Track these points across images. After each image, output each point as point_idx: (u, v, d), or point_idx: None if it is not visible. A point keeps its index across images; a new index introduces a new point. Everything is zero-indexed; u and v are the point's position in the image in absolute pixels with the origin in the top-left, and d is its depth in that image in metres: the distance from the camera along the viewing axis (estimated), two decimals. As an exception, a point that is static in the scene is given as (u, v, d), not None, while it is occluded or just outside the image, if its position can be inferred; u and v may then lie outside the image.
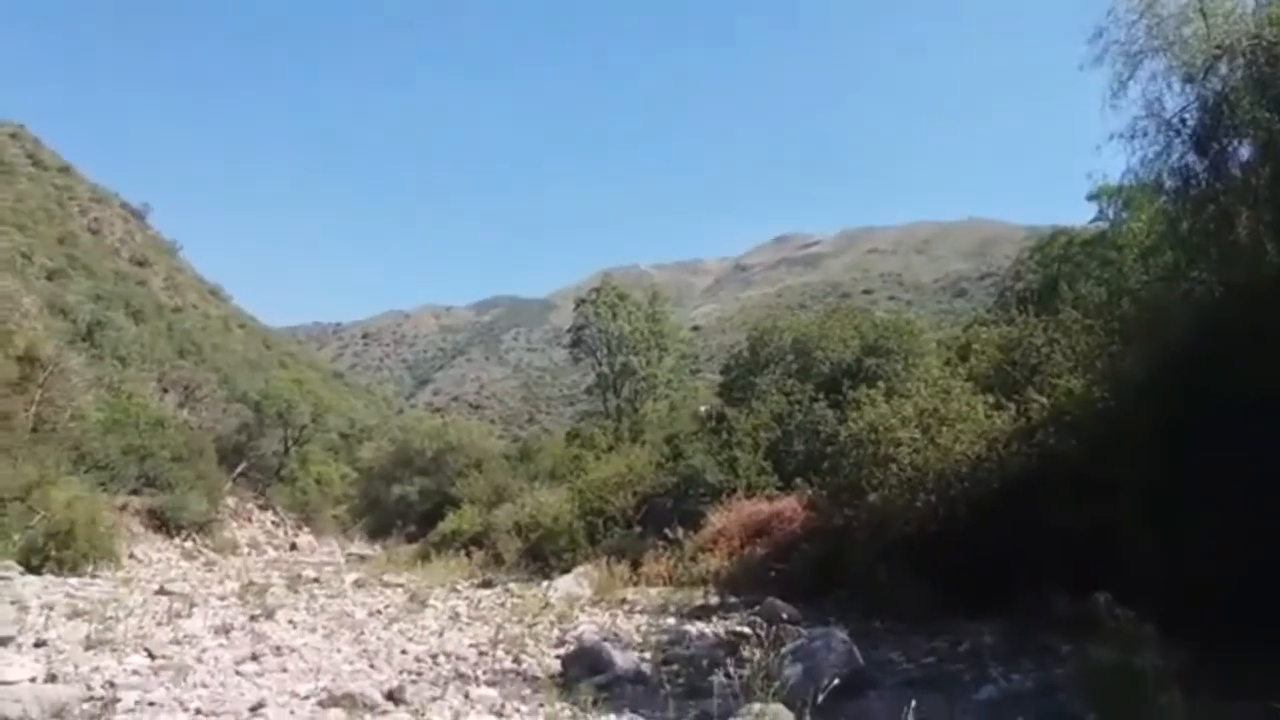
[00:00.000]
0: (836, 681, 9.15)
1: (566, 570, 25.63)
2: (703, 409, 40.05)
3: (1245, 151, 14.05)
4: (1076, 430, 16.02)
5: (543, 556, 29.08)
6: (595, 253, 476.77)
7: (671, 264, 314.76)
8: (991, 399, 19.77)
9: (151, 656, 13.11)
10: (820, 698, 8.55)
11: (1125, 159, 15.40)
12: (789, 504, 24.38)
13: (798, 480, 25.39)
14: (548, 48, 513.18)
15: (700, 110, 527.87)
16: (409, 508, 51.55)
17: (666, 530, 25.90)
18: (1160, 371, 13.06)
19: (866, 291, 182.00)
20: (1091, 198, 33.63)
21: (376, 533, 53.16)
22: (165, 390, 60.82)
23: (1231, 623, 9.74)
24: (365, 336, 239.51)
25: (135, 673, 11.99)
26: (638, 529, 28.08)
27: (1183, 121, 14.33)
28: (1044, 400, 18.04)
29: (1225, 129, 13.86)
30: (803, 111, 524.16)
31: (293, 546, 49.27)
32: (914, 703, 8.02)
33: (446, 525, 38.84)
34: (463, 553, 33.05)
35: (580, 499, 31.19)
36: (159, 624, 16.03)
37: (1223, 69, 13.83)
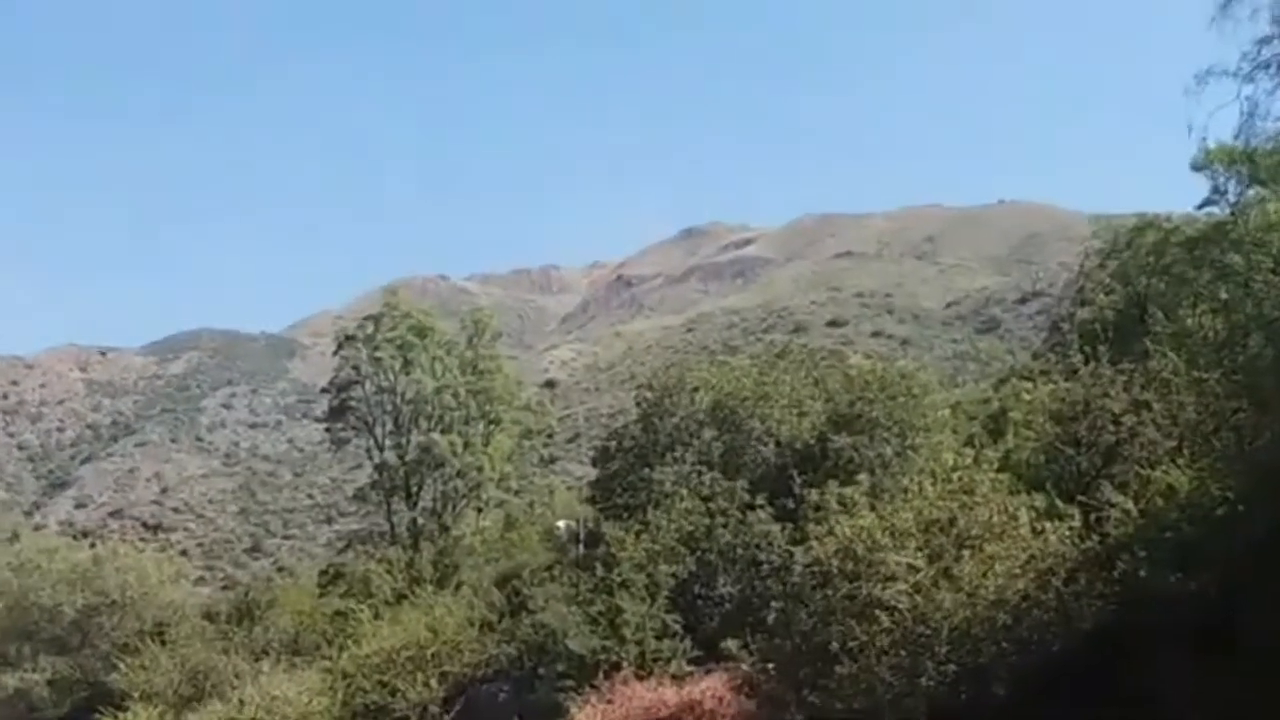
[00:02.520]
0: None
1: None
2: (562, 525, 39.64)
3: None
4: (1186, 552, 16.50)
5: (278, 793, 28.38)
6: (371, 258, 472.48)
7: (505, 274, 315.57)
8: (1042, 501, 20.21)
9: None
10: None
11: (1244, 101, 15.96)
12: (711, 687, 24.22)
13: (726, 645, 25.26)
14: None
15: (549, 17, 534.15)
16: (33, 713, 49.38)
17: (499, 740, 25.58)
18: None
19: (835, 323, 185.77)
20: (1200, 168, 35.11)
21: (-28, 758, 50.64)
22: None
23: None
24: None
25: None
26: (448, 739, 27.65)
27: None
28: (1129, 504, 18.53)
29: None
30: (732, 33, 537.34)
31: None
32: None
33: (101, 742, 37.35)
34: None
35: (346, 689, 30.39)
36: None
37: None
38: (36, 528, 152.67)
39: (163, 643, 44.73)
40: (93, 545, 75.56)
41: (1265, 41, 14.76)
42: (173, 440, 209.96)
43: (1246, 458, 16.39)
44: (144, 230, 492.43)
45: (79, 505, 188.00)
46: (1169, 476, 18.44)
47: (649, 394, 40.62)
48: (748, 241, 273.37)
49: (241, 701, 33.74)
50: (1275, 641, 13.52)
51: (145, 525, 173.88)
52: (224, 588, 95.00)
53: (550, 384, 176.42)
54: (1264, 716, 13.41)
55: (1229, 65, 15.51)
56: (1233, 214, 32.23)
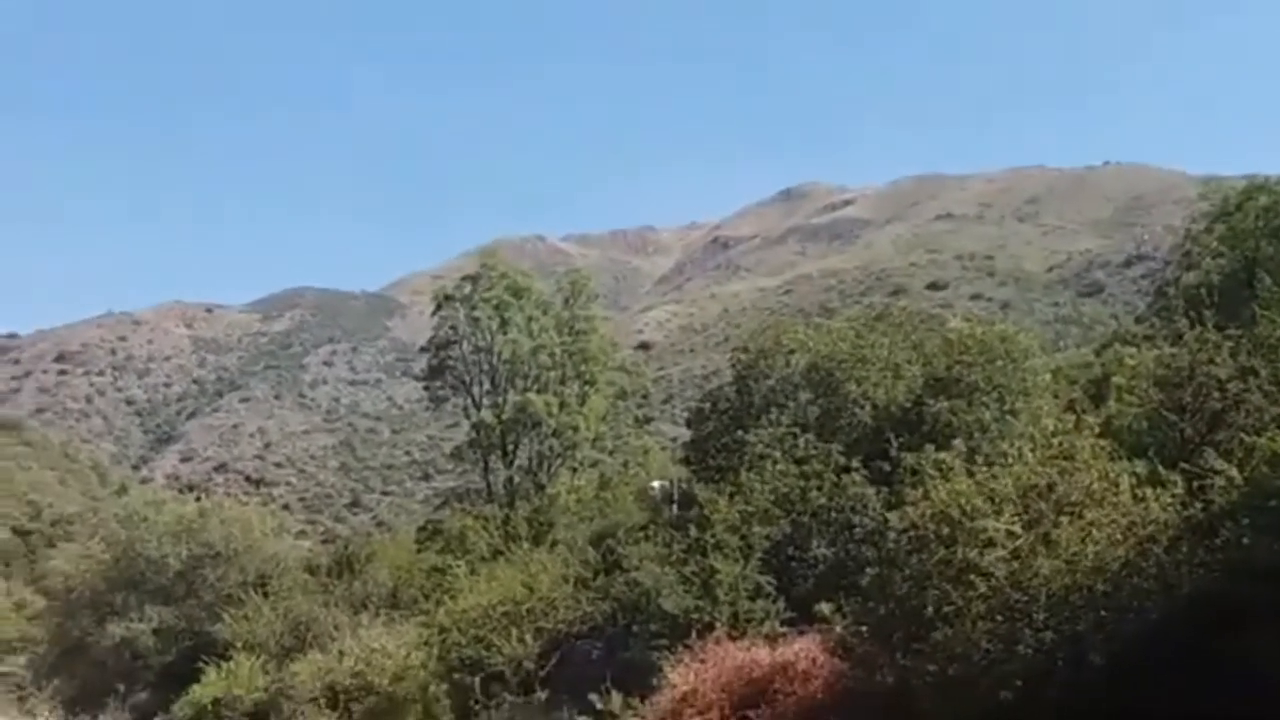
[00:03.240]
0: None
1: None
2: (656, 486, 39.79)
3: None
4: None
5: (377, 744, 28.91)
6: (469, 218, 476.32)
7: (602, 235, 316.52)
8: (1143, 468, 20.00)
9: None
10: None
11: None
12: (804, 649, 24.26)
13: (819, 607, 25.26)
14: None
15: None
16: (138, 660, 50.48)
17: (594, 696, 25.76)
18: None
19: (935, 286, 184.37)
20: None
21: (81, 703, 51.91)
22: None
23: None
24: (61, 359, 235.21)
25: None
26: (543, 693, 28.02)
27: None
28: (1233, 471, 18.26)
29: None
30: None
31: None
32: None
33: (204, 691, 38.07)
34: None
35: (443, 644, 30.89)
36: None
37: None
38: (144, 481, 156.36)
39: (265, 594, 45.57)
40: (198, 498, 76.93)
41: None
42: (276, 397, 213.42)
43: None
44: (246, 189, 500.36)
45: (185, 459, 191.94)
46: (1275, 444, 18.09)
47: (744, 356, 40.65)
48: (847, 203, 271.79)
49: (341, 653, 34.27)
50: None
51: (249, 479, 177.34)
52: (324, 541, 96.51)
53: (645, 345, 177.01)
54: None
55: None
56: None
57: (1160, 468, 19.78)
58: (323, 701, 32.13)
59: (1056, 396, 34.74)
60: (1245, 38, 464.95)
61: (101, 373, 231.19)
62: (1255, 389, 20.88)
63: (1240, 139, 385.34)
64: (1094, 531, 18.90)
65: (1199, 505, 18.39)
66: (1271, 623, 14.95)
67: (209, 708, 36.75)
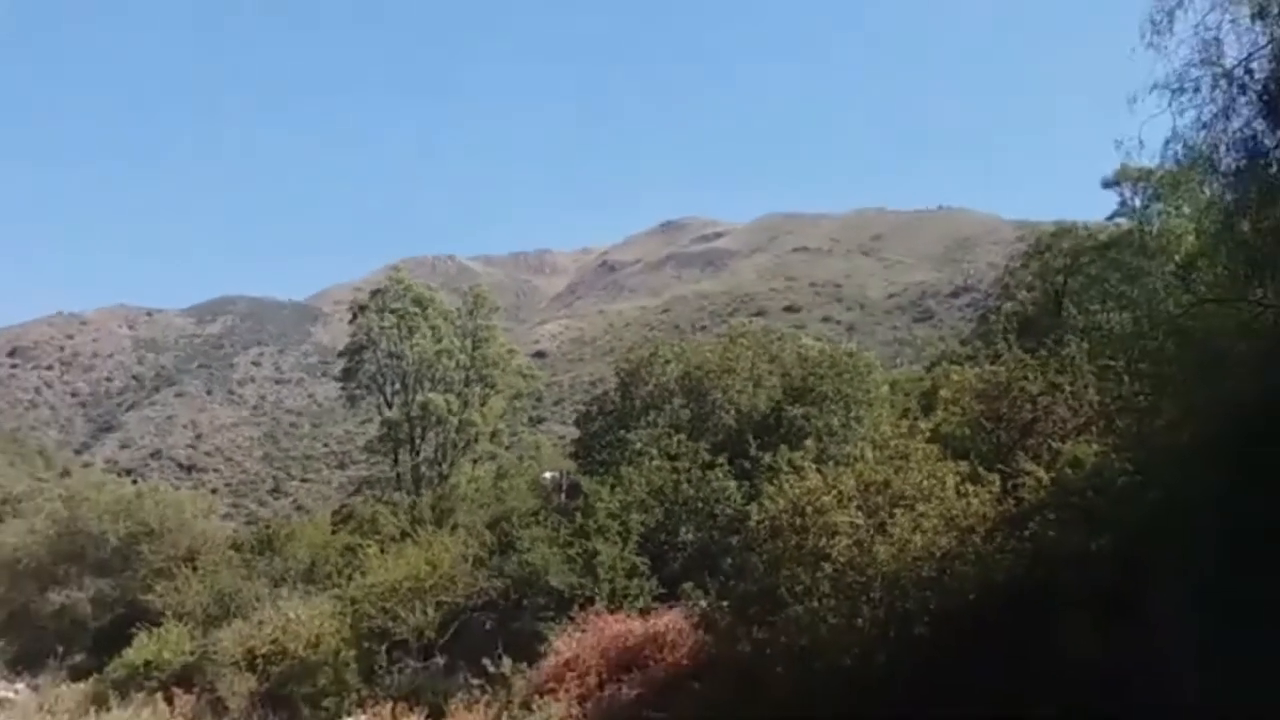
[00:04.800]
0: None
1: (329, 725, 25.06)
2: (547, 477, 39.85)
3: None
4: (1090, 517, 16.58)
5: (291, 704, 28.50)
6: (387, 237, 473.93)
7: (504, 257, 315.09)
8: (966, 468, 20.31)
9: None
10: None
11: (1169, 125, 15.75)
12: (673, 621, 24.40)
13: (686, 586, 25.44)
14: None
15: (548, 37, 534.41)
16: (76, 625, 49.37)
17: (487, 661, 25.69)
18: (1213, 435, 13.58)
19: (791, 309, 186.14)
20: (1110, 184, 35.52)
21: (22, 663, 50.59)
22: None
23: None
24: (14, 353, 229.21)
25: None
26: (442, 659, 27.83)
27: (1249, 73, 14.85)
28: (1041, 473, 18.64)
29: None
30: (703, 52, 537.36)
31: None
32: None
33: (136, 654, 37.23)
34: (161, 697, 31.77)
35: (354, 614, 30.54)
36: None
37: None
38: (85, 465, 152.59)
39: (194, 568, 44.81)
40: (135, 482, 75.66)
41: (1188, 66, 14.49)
42: (208, 392, 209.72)
43: (1145, 437, 16.42)
44: (190, 202, 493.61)
45: (123, 446, 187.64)
46: (1077, 450, 18.52)
47: (626, 365, 40.84)
48: (718, 235, 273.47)
49: (261, 622, 33.82)
50: (1158, 597, 13.55)
51: (181, 466, 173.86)
52: (248, 523, 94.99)
53: (540, 354, 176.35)
54: (1147, 665, 13.45)
55: (1160, 82, 15.21)
56: (1139, 224, 32.67)
57: (980, 468, 20.11)
58: (243, 665, 31.66)
59: (893, 406, 35.32)
60: (1059, 104, 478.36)
61: (50, 367, 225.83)
62: (1061, 403, 21.34)
63: (1051, 190, 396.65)
64: (923, 522, 19.15)
65: (1012, 502, 18.73)
66: (1071, 604, 15.25)
67: (140, 669, 36.03)
